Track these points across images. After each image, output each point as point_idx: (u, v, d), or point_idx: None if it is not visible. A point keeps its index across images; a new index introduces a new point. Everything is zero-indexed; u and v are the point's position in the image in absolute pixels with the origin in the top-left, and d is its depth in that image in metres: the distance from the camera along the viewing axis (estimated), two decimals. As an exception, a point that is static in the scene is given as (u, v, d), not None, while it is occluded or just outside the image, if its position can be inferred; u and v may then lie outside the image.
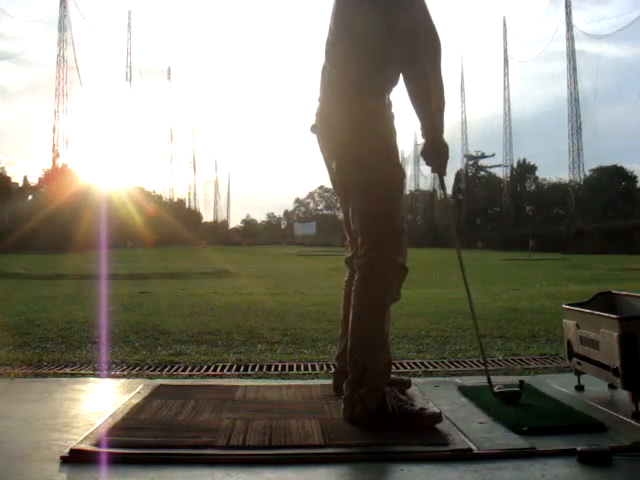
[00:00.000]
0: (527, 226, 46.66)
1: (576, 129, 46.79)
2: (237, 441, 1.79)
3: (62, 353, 3.61)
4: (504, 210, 53.19)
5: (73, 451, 1.70)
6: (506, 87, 53.06)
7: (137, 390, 2.41)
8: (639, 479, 1.61)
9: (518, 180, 55.55)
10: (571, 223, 44.37)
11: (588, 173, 48.35)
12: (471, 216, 57.24)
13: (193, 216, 61.48)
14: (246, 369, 3.20)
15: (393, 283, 2.11)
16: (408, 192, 67.49)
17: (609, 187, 47.42)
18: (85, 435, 1.84)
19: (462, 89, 57.42)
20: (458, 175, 59.10)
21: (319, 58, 2.30)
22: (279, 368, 3.22)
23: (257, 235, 77.44)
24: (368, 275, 2.06)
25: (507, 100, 53.06)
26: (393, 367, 3.17)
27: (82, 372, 3.10)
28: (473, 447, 1.75)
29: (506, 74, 52.76)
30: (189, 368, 3.22)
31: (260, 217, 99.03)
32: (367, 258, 2.07)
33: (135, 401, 2.24)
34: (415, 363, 3.30)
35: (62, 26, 47.26)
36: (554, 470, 1.62)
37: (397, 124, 2.25)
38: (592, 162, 47.12)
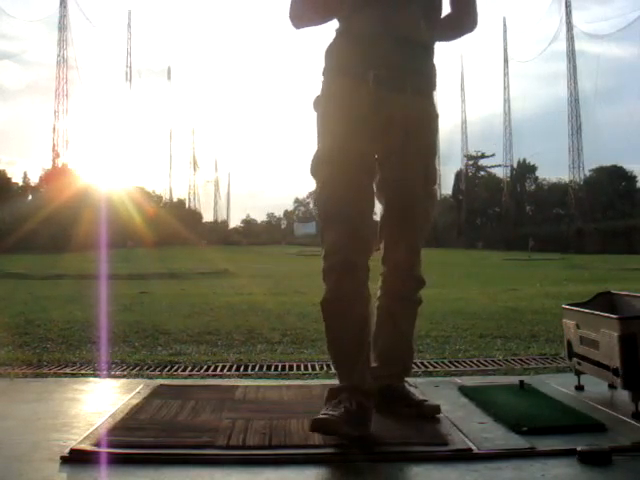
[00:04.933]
0: (527, 226, 46.64)
1: (576, 129, 46.88)
2: (237, 441, 1.79)
3: (62, 353, 3.62)
4: (504, 210, 53.19)
5: (73, 451, 1.70)
6: (506, 87, 53.12)
7: (137, 390, 2.41)
8: (639, 479, 1.61)
9: (518, 180, 55.55)
10: (571, 223, 44.39)
11: (588, 173, 48.46)
12: (471, 216, 57.26)
13: (193, 216, 61.40)
14: (246, 369, 3.20)
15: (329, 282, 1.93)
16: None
17: (609, 187, 47.45)
18: (85, 435, 1.83)
19: (462, 89, 57.44)
20: (458, 175, 59.12)
21: (319, 57, 2.29)
22: (279, 368, 3.22)
23: (257, 235, 77.33)
24: None
25: (507, 100, 53.11)
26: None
27: (82, 372, 3.10)
28: (473, 447, 1.75)
29: (506, 74, 52.82)
30: (189, 368, 3.22)
31: (260, 217, 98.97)
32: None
33: (135, 401, 2.24)
34: (415, 363, 3.30)
35: (62, 26, 47.33)
36: (554, 470, 1.62)
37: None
38: (592, 162, 47.24)
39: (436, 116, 2.09)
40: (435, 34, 2.03)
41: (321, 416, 1.75)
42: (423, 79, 2.02)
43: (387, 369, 2.10)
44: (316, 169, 1.97)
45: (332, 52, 2.00)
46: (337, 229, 1.90)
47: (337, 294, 1.92)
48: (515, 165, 54.83)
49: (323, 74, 2.02)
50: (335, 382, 1.96)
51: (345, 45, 1.98)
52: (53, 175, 44.16)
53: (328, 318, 1.97)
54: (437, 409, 2.03)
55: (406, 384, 2.18)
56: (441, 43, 2.14)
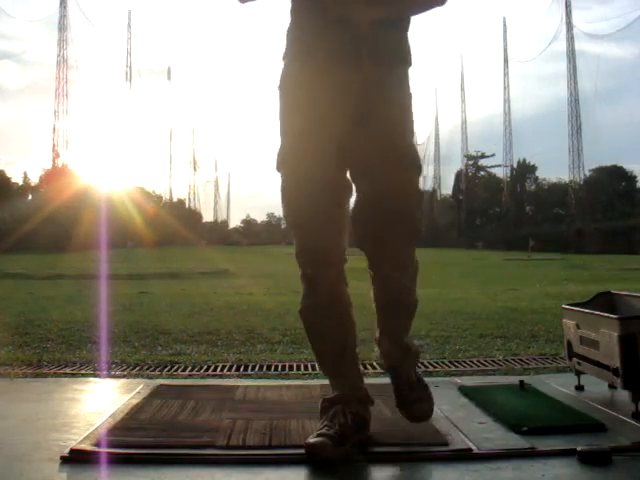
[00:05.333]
0: (527, 226, 46.66)
1: (576, 129, 46.90)
2: (237, 441, 1.79)
3: (62, 353, 3.62)
4: (504, 210, 53.21)
5: (73, 451, 1.70)
6: (506, 87, 53.15)
7: (137, 390, 2.41)
8: (639, 479, 1.61)
9: (518, 180, 55.59)
10: (571, 223, 44.40)
11: (588, 173, 48.48)
12: (471, 216, 57.28)
13: (193, 216, 61.45)
14: (246, 369, 3.20)
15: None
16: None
17: (609, 187, 47.52)
18: (85, 435, 1.83)
19: (462, 89, 57.51)
20: (458, 175, 59.15)
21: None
22: (279, 368, 3.22)
23: (257, 235, 77.38)
24: None
25: (507, 100, 53.14)
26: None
27: (82, 372, 3.10)
28: (473, 447, 1.75)
29: (506, 74, 52.86)
30: (189, 368, 3.22)
31: (260, 217, 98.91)
32: None
33: (135, 401, 2.24)
34: (415, 363, 3.30)
35: (62, 26, 47.42)
36: (554, 470, 1.62)
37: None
38: (592, 162, 47.27)
39: (407, 93, 1.84)
40: (399, 7, 1.80)
41: (311, 441, 1.67)
42: (386, 51, 1.78)
43: (386, 360, 1.94)
44: (278, 167, 1.82)
45: (287, 33, 1.84)
46: (301, 236, 1.80)
47: (310, 302, 1.83)
48: (515, 165, 54.90)
49: (283, 59, 1.86)
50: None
51: (294, 24, 1.82)
52: (53, 175, 44.18)
53: (307, 327, 1.89)
54: (427, 413, 1.87)
55: (405, 381, 1.90)
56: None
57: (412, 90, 1.85)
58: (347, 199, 1.82)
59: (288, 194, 1.80)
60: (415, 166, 1.82)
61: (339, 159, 1.78)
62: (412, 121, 1.84)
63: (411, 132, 1.85)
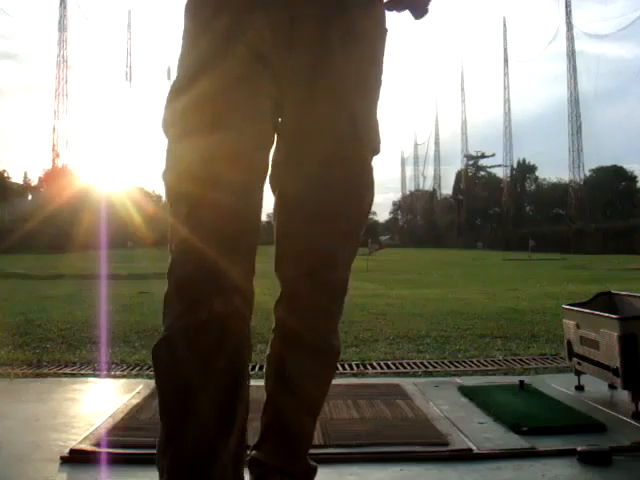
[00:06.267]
0: (527, 226, 46.74)
1: (576, 129, 46.86)
2: (237, 441, 1.78)
3: (62, 353, 3.61)
4: (504, 210, 53.24)
5: (73, 451, 1.70)
6: (506, 87, 53.18)
7: (137, 390, 2.41)
8: (639, 479, 1.61)
9: (518, 180, 55.64)
10: (571, 223, 44.41)
11: (588, 173, 48.51)
12: (471, 216, 57.30)
13: (193, 216, 61.29)
14: (246, 369, 3.20)
15: None
16: (408, 192, 67.77)
17: (609, 187, 47.59)
18: (85, 435, 1.84)
19: (462, 89, 57.61)
20: (458, 175, 59.19)
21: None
22: (279, 368, 3.22)
23: (257, 235, 77.31)
24: None
25: (507, 100, 53.17)
26: (393, 367, 3.18)
27: (82, 372, 3.10)
28: (473, 447, 1.75)
29: (506, 74, 52.88)
30: (189, 368, 3.21)
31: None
32: None
33: (135, 401, 2.24)
34: (415, 363, 3.30)
35: (62, 26, 47.44)
36: (554, 470, 1.62)
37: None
38: (592, 162, 47.32)
39: (378, 39, 1.22)
40: None
41: None
42: None
43: (264, 453, 1.32)
44: (165, 128, 1.16)
45: None
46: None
47: None
48: (515, 165, 54.94)
49: None
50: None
51: None
52: (53, 175, 44.21)
53: None
54: None
55: None
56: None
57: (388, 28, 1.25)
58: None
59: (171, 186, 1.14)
60: (369, 148, 1.23)
61: (268, 127, 1.19)
62: (379, 75, 1.24)
63: (374, 92, 1.24)
